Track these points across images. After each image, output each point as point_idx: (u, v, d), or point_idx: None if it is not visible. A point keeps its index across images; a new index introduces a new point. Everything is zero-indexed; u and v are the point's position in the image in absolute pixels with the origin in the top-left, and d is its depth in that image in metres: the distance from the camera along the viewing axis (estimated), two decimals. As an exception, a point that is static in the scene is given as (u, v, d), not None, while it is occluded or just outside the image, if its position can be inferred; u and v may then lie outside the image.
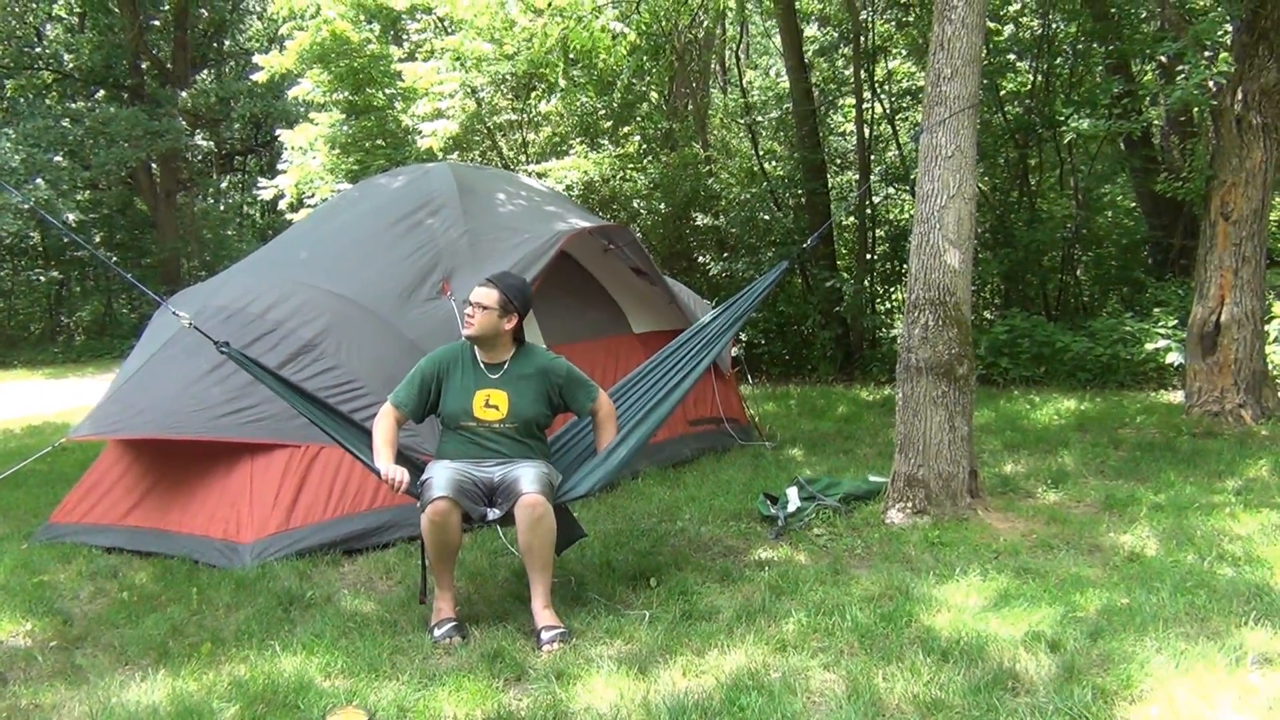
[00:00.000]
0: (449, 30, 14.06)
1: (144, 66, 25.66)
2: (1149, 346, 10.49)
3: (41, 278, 28.00)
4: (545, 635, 4.03)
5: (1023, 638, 3.80)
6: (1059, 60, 12.67)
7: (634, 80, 14.33)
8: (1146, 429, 8.20)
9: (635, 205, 13.77)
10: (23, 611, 4.63)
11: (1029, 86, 13.02)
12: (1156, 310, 11.15)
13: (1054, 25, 12.47)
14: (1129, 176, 13.05)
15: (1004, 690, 3.40)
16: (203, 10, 26.94)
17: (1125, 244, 13.33)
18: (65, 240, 25.63)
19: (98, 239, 25.28)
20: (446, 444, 4.45)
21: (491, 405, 4.38)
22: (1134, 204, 13.74)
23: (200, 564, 5.21)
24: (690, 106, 15.50)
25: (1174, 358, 10.12)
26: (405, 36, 15.55)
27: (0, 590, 4.96)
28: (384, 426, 4.37)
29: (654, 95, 15.09)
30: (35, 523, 6.25)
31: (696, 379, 4.96)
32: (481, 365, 4.45)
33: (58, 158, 21.54)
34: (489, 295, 4.38)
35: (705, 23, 15.27)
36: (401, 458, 4.38)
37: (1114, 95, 10.94)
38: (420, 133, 13.35)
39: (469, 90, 13.46)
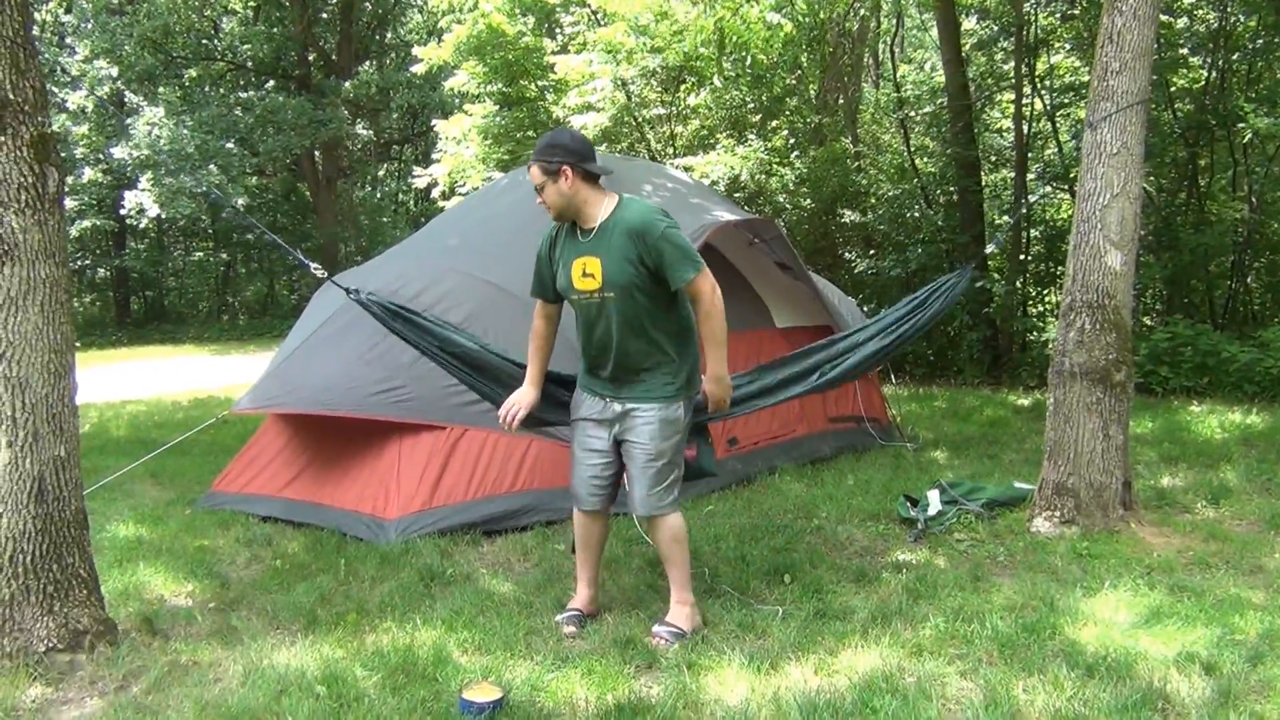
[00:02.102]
0: (602, 23, 14.19)
1: (311, 58, 26.76)
2: (1327, 359, 9.86)
3: (210, 259, 29.57)
4: (655, 626, 4.05)
5: (1175, 658, 3.63)
6: (1236, 55, 11.99)
7: (785, 75, 14.20)
8: (1320, 446, 7.72)
9: (780, 200, 13.65)
10: (185, 573, 4.90)
11: (1202, 83, 12.37)
12: (1336, 321, 10.48)
13: (1232, 18, 11.81)
14: (1310, 180, 12.29)
15: (1153, 711, 3.26)
16: (367, 4, 27.90)
17: (1303, 251, 12.57)
18: (233, 223, 26.97)
19: (263, 223, 26.50)
20: (579, 339, 4.25)
21: (588, 274, 4.00)
22: (1315, 208, 12.93)
23: (348, 537, 5.41)
24: (841, 101, 15.27)
25: (1354, 372, 9.50)
26: (559, 30, 15.77)
27: (166, 552, 5.26)
28: (534, 331, 4.30)
29: (812, 89, 14.91)
30: (199, 490, 6.61)
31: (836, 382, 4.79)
32: (579, 232, 4.07)
33: (229, 144, 22.65)
34: (531, 174, 4.03)
35: (861, 12, 15.02)
36: (550, 380, 4.32)
37: (1297, 93, 10.33)
38: (570, 125, 13.52)
39: (619, 83, 13.56)
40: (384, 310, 4.43)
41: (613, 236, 3.95)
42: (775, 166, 13.43)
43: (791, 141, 14.11)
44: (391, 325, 4.47)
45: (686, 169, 12.63)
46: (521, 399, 4.23)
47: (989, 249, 6.20)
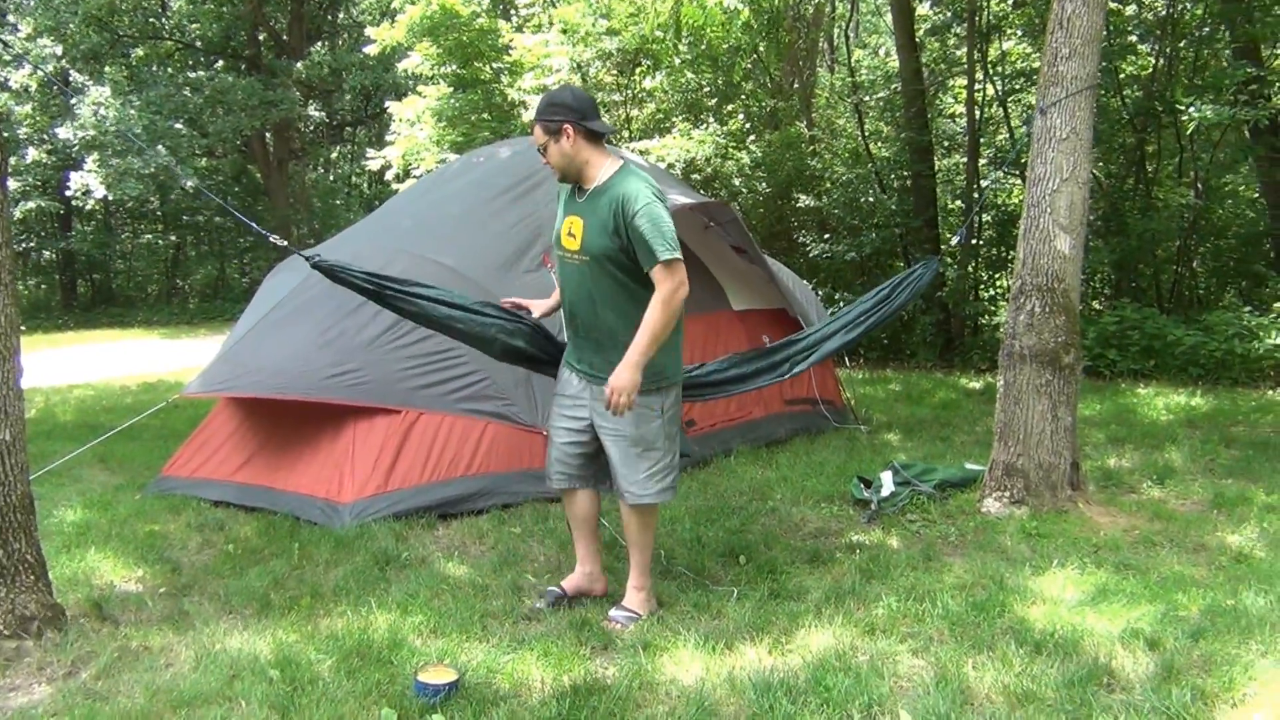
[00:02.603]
0: (557, 3, 14.12)
1: (261, 38, 26.33)
2: (1269, 342, 10.08)
3: (159, 241, 29.10)
4: (612, 610, 4.05)
5: (1120, 634, 3.70)
6: (1183, 43, 12.18)
7: (743, 60, 14.22)
8: (1261, 427, 7.89)
9: (736, 184, 13.68)
10: (135, 559, 4.84)
11: (1150, 70, 12.55)
12: (1278, 305, 10.69)
13: (1180, 6, 11.99)
14: (1253, 166, 12.52)
15: (1098, 686, 3.32)
16: (319, -18, 27.54)
17: (1246, 236, 12.81)
18: (182, 205, 26.54)
19: (213, 206, 26.12)
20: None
21: (571, 234, 3.95)
22: (1258, 194, 13.18)
23: (302, 521, 5.37)
24: (796, 85, 15.33)
25: (1294, 354, 9.71)
26: (514, 11, 15.67)
27: (115, 538, 5.18)
28: None
29: (774, 73, 14.93)
30: (149, 475, 6.52)
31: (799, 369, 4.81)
32: (577, 191, 4.01)
33: (178, 125, 22.25)
34: (534, 134, 3.97)
35: (816, -1, 15.08)
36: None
37: (1241, 81, 10.50)
38: (527, 106, 13.46)
39: (575, 65, 13.51)
40: (345, 271, 4.25)
41: (599, 202, 3.89)
42: (731, 150, 13.46)
43: (748, 126, 14.14)
44: (353, 280, 4.26)
45: (642, 152, 12.62)
46: (526, 301, 4.30)
47: (954, 241, 6.29)
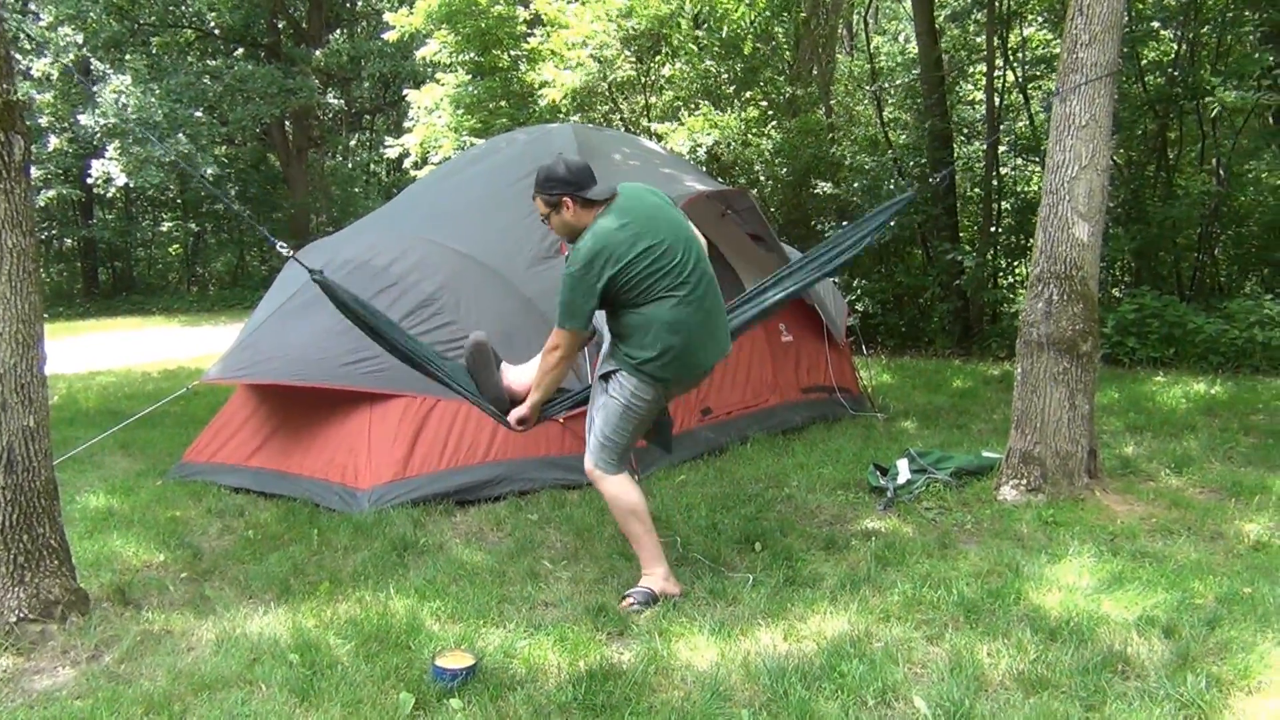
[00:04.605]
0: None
1: (280, 26, 26.42)
2: (1291, 330, 10.00)
3: (179, 229, 29.27)
4: (629, 589, 4.10)
5: (1135, 621, 3.70)
6: (1206, 28, 12.07)
7: (759, 45, 14.18)
8: (1282, 416, 7.85)
9: (755, 170, 13.65)
10: (157, 544, 4.89)
11: (1172, 55, 12.45)
12: (1300, 293, 10.60)
13: (1203, -10, 11.88)
14: (1276, 153, 12.40)
15: (1113, 673, 3.33)
16: (337, -30, 27.57)
17: (1268, 223, 12.69)
18: (203, 194, 26.70)
19: (233, 193, 26.23)
20: None
21: None
22: (1281, 181, 13.07)
23: (321, 507, 5.41)
24: (815, 72, 15.26)
25: (1317, 342, 9.63)
26: (530, -1, 15.67)
27: (137, 523, 5.24)
28: None
29: (787, 55, 14.88)
30: (169, 461, 6.58)
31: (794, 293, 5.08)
32: None
33: (198, 113, 22.36)
34: (536, 204, 4.17)
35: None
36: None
37: (1265, 66, 10.39)
38: (548, 84, 13.48)
39: (595, 48, 13.51)
40: (343, 295, 4.36)
41: None
42: (751, 137, 13.43)
43: (766, 113, 14.11)
44: (346, 312, 4.39)
45: (659, 137, 12.61)
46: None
47: (931, 180, 6.44)
